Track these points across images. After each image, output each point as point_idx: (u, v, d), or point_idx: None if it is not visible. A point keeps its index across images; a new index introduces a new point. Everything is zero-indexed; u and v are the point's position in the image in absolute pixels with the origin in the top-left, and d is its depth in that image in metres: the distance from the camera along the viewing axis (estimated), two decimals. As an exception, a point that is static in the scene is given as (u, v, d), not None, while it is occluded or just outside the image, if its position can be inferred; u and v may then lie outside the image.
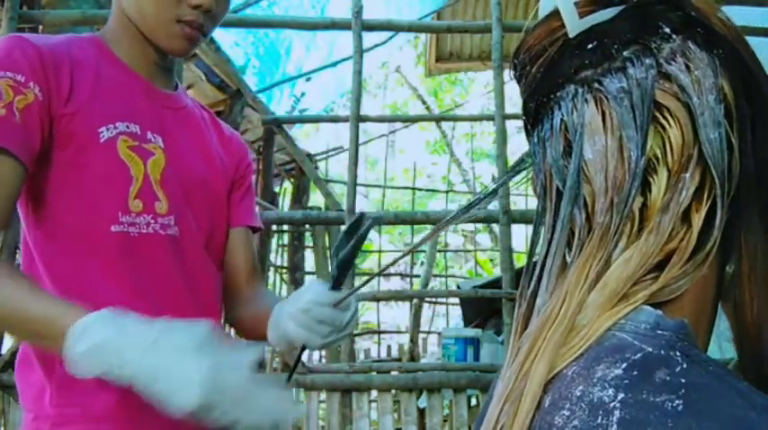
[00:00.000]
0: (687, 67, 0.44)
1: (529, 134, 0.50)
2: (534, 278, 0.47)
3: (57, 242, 0.93)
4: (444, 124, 7.95)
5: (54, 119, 0.90)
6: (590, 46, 0.46)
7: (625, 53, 0.45)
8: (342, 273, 0.93)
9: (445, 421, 2.68)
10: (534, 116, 0.49)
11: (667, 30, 0.45)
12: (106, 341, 0.77)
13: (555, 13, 0.47)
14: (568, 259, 0.45)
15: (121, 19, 1.01)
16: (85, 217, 0.92)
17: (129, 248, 0.93)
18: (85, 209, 0.92)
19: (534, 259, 0.48)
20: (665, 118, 0.44)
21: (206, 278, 1.03)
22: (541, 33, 0.48)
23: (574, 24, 0.46)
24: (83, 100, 0.93)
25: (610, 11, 0.46)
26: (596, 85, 0.45)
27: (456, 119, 7.40)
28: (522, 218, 2.62)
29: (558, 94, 0.47)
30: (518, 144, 7.35)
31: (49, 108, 0.90)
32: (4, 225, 0.86)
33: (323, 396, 2.52)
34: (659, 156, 0.44)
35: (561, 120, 0.46)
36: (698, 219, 0.43)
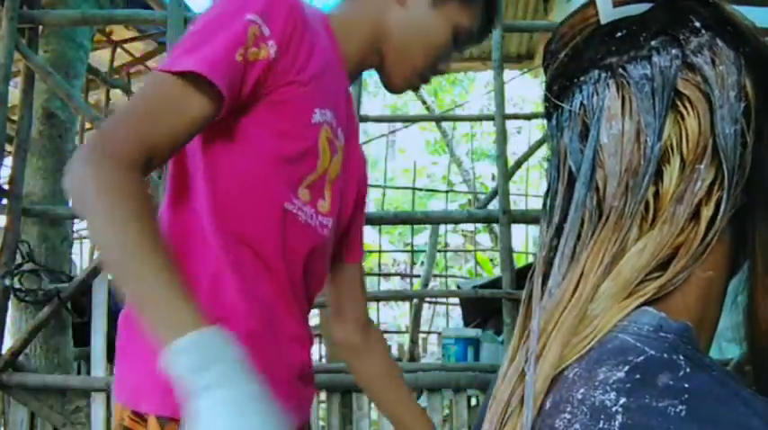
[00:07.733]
0: (713, 60, 0.44)
1: (549, 119, 0.50)
2: (546, 261, 0.47)
3: (235, 185, 0.88)
4: (444, 124, 7.93)
5: (275, 82, 0.86)
6: (619, 34, 0.46)
7: (653, 43, 0.45)
8: None
9: (445, 421, 2.68)
10: (556, 99, 0.49)
11: (698, 24, 0.45)
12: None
13: (590, 4, 0.48)
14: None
15: (373, 26, 0.99)
16: (265, 179, 0.88)
17: (293, 230, 0.90)
18: (267, 172, 0.88)
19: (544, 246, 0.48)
20: (684, 107, 0.44)
21: (317, 291, 1.02)
22: (575, 22, 0.49)
23: (607, 12, 0.47)
24: (312, 74, 0.90)
25: (644, 4, 0.46)
26: (620, 71, 0.46)
27: (456, 119, 7.37)
28: (523, 218, 2.61)
29: (582, 78, 0.47)
30: (518, 144, 7.35)
31: (275, 71, 0.86)
32: (169, 157, 0.81)
33: (323, 396, 2.51)
34: (674, 145, 0.44)
35: (581, 103, 0.47)
36: (706, 213, 0.43)
